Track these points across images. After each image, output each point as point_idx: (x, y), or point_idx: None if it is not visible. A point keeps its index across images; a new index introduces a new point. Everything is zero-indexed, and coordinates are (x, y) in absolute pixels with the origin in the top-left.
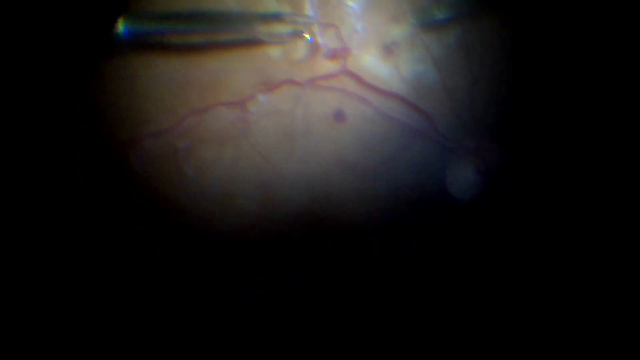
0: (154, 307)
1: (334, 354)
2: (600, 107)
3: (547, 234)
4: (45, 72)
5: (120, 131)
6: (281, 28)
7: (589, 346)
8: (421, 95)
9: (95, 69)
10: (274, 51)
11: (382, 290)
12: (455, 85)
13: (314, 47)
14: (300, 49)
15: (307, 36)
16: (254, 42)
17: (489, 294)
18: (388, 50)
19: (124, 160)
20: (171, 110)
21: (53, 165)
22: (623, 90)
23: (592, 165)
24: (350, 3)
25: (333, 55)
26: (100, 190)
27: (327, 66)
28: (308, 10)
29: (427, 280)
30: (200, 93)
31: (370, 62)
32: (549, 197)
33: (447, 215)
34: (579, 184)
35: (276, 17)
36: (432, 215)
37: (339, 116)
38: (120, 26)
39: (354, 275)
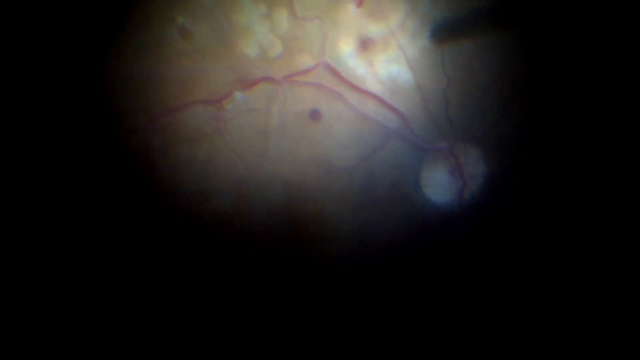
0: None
1: (309, 350)
2: (576, 109)
3: (523, 235)
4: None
5: (96, 129)
6: None
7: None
8: (395, 94)
9: (74, 68)
10: (251, 48)
11: (358, 287)
12: (429, 86)
13: None
14: (277, 46)
15: None
16: None
17: (462, 291)
18: (364, 45)
19: (100, 158)
20: (147, 107)
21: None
22: (596, 93)
23: (567, 166)
24: None
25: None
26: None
27: (304, 61)
28: None
29: (402, 277)
30: (176, 91)
31: (347, 56)
32: (523, 199)
33: (421, 215)
34: (553, 183)
35: None
36: (406, 215)
37: (314, 115)
38: None
39: (331, 274)
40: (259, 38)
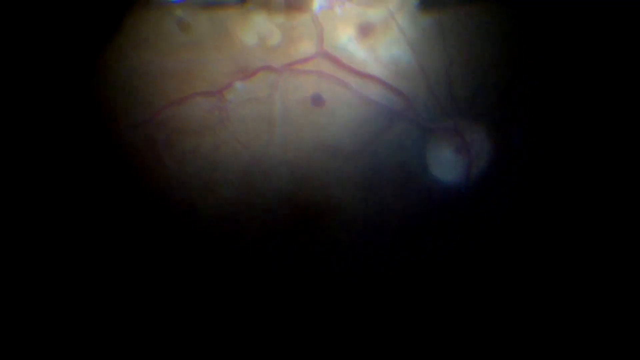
0: (143, 299)
1: (319, 341)
2: (577, 88)
3: (526, 214)
4: (35, 72)
5: (97, 125)
6: None
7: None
8: (398, 77)
9: (73, 63)
10: (249, 38)
11: (368, 273)
12: (432, 66)
13: None
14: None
15: None
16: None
17: (471, 275)
18: (364, 31)
19: (104, 154)
20: (148, 101)
21: (38, 160)
22: (603, 74)
23: (570, 146)
24: None
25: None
26: (81, 184)
27: (303, 50)
28: None
29: (411, 261)
30: (177, 83)
31: (346, 43)
32: (528, 177)
33: (429, 195)
34: (558, 164)
35: None
36: (414, 196)
37: (317, 100)
38: None
39: (340, 260)
40: (257, 27)
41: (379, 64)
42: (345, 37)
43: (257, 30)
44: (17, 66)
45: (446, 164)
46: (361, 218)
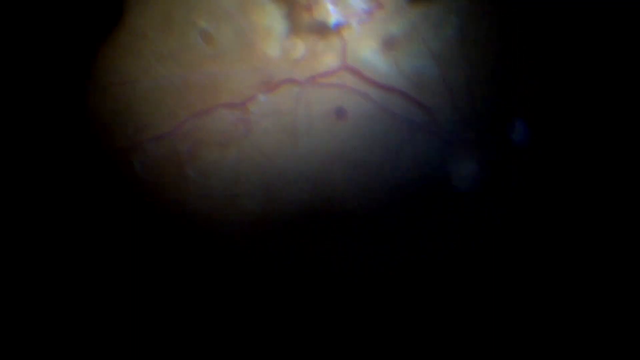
0: (159, 309)
1: (335, 353)
2: (602, 100)
3: (547, 222)
4: (44, 76)
5: (121, 136)
6: None
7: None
8: (421, 89)
9: (94, 73)
10: (273, 50)
11: (388, 286)
12: (455, 78)
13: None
14: (299, 47)
15: None
16: None
17: (492, 286)
18: (387, 45)
19: (126, 165)
20: (172, 113)
21: (53, 170)
22: (623, 84)
23: (592, 157)
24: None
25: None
26: (102, 195)
27: (326, 63)
28: None
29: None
30: (201, 95)
31: (370, 56)
32: (550, 189)
33: (450, 208)
34: (580, 176)
35: None
36: (436, 208)
37: (340, 113)
38: None
39: (360, 272)
40: (280, 40)
41: (402, 76)
42: (368, 50)
43: (280, 42)
44: (36, 77)
45: (468, 177)
46: (382, 231)
